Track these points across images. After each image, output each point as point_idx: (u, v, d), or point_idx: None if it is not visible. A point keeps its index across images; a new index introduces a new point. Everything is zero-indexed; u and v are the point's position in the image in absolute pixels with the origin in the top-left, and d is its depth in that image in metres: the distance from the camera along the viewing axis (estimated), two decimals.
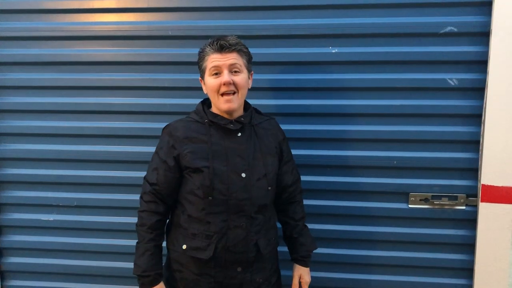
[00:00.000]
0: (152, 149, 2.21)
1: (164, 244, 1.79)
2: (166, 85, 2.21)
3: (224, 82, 1.65)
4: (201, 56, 1.72)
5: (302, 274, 1.91)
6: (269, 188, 1.76)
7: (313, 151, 2.18)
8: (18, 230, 2.42)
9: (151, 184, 1.74)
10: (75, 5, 2.22)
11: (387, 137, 2.13)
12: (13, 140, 2.36)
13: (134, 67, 2.23)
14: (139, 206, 1.77)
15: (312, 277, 2.02)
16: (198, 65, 1.76)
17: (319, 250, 2.23)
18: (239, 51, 1.69)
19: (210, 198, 1.67)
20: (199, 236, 1.71)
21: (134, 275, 1.73)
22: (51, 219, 2.39)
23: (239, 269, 1.74)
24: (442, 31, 2.03)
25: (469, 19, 2.01)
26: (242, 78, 1.69)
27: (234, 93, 1.68)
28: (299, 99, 2.17)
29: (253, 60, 2.14)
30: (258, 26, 2.13)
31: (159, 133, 1.90)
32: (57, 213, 2.38)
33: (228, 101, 1.67)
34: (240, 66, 1.69)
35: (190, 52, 2.17)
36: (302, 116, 2.18)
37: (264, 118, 1.87)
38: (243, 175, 1.70)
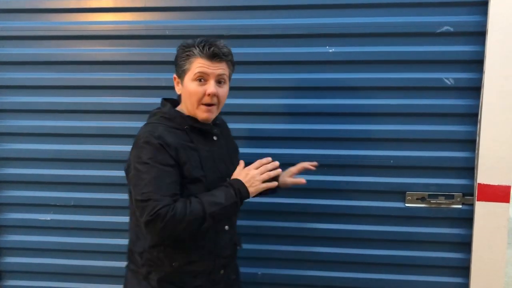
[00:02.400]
0: None
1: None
2: (163, 84, 2.21)
3: (210, 93, 1.55)
4: (185, 55, 1.57)
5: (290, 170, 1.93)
6: None
7: (309, 150, 2.18)
8: (15, 230, 2.42)
9: (171, 196, 1.47)
10: (72, 4, 2.21)
11: (384, 136, 2.13)
12: (10, 140, 2.35)
13: (132, 67, 2.23)
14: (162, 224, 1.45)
15: (309, 276, 2.03)
16: (176, 62, 1.62)
17: (316, 249, 2.24)
18: (227, 62, 1.60)
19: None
20: (191, 249, 1.62)
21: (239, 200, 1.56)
22: (48, 218, 2.38)
23: (221, 271, 1.72)
24: (438, 31, 2.03)
25: (465, 18, 2.01)
26: (225, 91, 1.62)
27: (214, 104, 1.59)
28: (296, 98, 2.17)
29: (249, 60, 2.15)
30: (255, 26, 2.13)
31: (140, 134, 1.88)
32: (54, 213, 2.37)
33: (208, 110, 1.59)
34: (226, 77, 1.61)
35: None
36: (298, 115, 2.18)
37: (219, 117, 1.79)
38: (228, 179, 1.65)
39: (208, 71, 1.55)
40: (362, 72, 2.11)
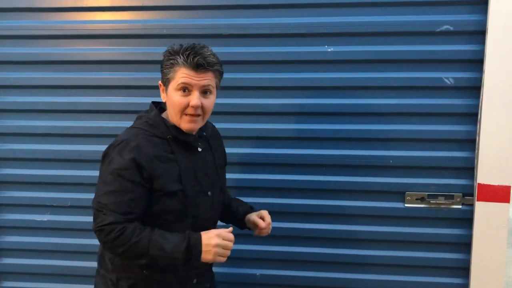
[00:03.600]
0: None
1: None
2: None
3: (193, 105, 1.47)
4: (170, 63, 1.50)
5: (261, 213, 1.74)
6: (224, 201, 1.74)
7: (308, 150, 2.17)
8: (11, 231, 2.40)
9: (123, 214, 1.44)
10: (69, 3, 2.20)
11: (383, 136, 2.12)
12: (6, 140, 2.33)
13: (129, 66, 2.21)
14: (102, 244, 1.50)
15: (307, 277, 2.02)
16: (161, 69, 1.55)
17: (315, 250, 2.23)
18: (214, 71, 1.51)
19: (180, 222, 1.51)
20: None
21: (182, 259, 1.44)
22: (45, 219, 2.36)
23: (194, 281, 1.67)
24: (438, 30, 2.02)
25: (465, 17, 2.01)
26: (211, 102, 1.54)
27: (198, 115, 1.52)
28: (294, 98, 2.16)
29: (248, 59, 2.14)
30: (254, 25, 2.12)
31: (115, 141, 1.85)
32: (51, 214, 2.36)
33: (192, 121, 1.51)
34: (212, 87, 1.53)
35: None
36: (297, 115, 2.17)
37: (210, 125, 1.74)
38: (209, 193, 1.62)
39: (192, 82, 1.47)
40: (361, 72, 2.10)
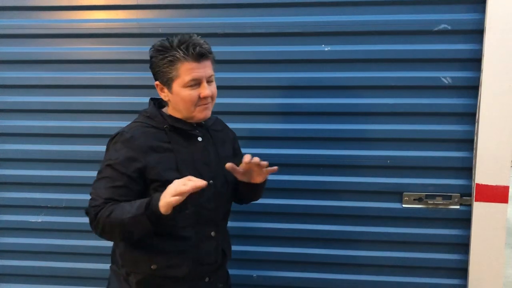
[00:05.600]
0: None
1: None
2: None
3: (205, 95, 1.52)
4: (168, 61, 1.49)
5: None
6: (231, 192, 1.73)
7: (305, 151, 2.16)
8: (6, 232, 2.38)
9: (106, 199, 1.50)
10: (64, 2, 2.18)
11: (381, 136, 2.11)
12: (0, 140, 2.31)
13: (124, 65, 2.20)
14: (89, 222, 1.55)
15: (304, 278, 2.01)
16: (157, 69, 1.54)
17: (312, 251, 2.22)
18: (212, 58, 1.56)
19: (182, 212, 1.48)
20: (172, 253, 1.58)
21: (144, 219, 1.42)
22: (40, 220, 2.34)
23: (207, 279, 1.67)
24: (435, 29, 2.01)
25: (463, 16, 2.00)
26: (215, 87, 1.59)
27: (209, 103, 1.57)
28: (290, 97, 2.14)
29: (245, 58, 2.13)
30: (250, 24, 2.11)
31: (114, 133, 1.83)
32: (46, 215, 2.34)
33: (206, 108, 1.56)
34: (213, 77, 1.57)
35: None
36: (294, 115, 2.16)
37: (213, 118, 1.74)
38: (211, 182, 1.60)
39: (200, 74, 1.50)
40: (358, 71, 2.09)
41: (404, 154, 2.11)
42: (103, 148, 2.20)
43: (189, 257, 1.60)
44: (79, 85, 2.23)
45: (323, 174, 2.16)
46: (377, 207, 2.16)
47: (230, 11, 2.11)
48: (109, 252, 2.30)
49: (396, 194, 2.15)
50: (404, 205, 2.14)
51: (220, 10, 2.11)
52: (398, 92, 2.08)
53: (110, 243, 2.28)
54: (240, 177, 1.64)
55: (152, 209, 1.40)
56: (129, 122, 2.19)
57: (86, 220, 2.27)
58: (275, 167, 1.58)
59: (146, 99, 2.17)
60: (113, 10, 2.17)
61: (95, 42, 2.20)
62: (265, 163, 1.56)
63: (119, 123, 2.21)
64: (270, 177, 2.19)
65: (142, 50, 2.16)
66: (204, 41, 1.53)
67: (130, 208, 1.44)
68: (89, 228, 2.28)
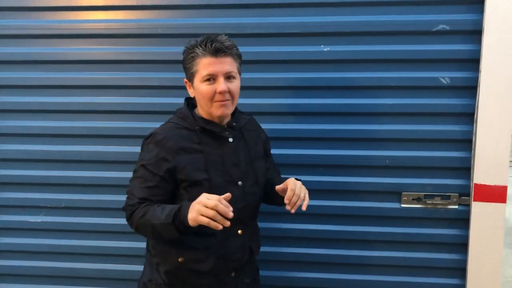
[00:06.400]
0: None
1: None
2: (155, 83, 2.18)
3: (220, 91, 1.54)
4: (190, 57, 1.57)
5: (286, 182, 1.59)
6: (260, 192, 1.73)
7: (304, 151, 2.16)
8: (4, 232, 2.38)
9: (140, 199, 1.57)
10: (63, 2, 2.18)
11: (379, 136, 2.12)
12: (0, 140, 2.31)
13: (123, 66, 2.19)
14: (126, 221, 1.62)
15: (304, 277, 2.01)
16: (184, 66, 1.63)
17: (311, 251, 2.22)
18: (233, 55, 1.58)
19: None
20: (198, 248, 1.62)
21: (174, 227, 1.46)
22: (39, 220, 2.34)
23: (232, 274, 1.70)
24: (434, 29, 2.02)
25: (461, 17, 2.00)
26: (237, 85, 1.61)
27: (227, 100, 1.58)
28: (290, 98, 2.14)
29: (244, 58, 2.13)
30: (249, 24, 2.11)
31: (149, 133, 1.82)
32: (45, 215, 2.34)
33: (222, 105, 1.57)
34: (235, 73, 1.59)
35: (179, 50, 2.12)
36: (293, 115, 2.16)
37: (246, 118, 1.79)
38: (240, 183, 1.65)
39: (216, 69, 1.54)
40: (356, 71, 2.09)
41: (403, 154, 2.11)
42: (102, 148, 2.25)
43: (214, 253, 1.63)
44: (78, 85, 2.23)
45: (321, 174, 2.17)
46: (376, 207, 2.17)
47: (229, 12, 2.11)
48: (107, 252, 2.34)
49: (395, 194, 2.15)
50: (402, 205, 2.15)
51: (219, 11, 2.11)
52: (396, 92, 2.08)
53: (109, 243, 2.32)
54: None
55: (180, 219, 1.45)
56: (127, 122, 2.23)
57: (85, 220, 2.32)
58: (304, 205, 1.56)
59: (145, 99, 2.20)
60: (112, 11, 2.17)
61: (94, 43, 2.20)
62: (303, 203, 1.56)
63: (118, 124, 2.24)
64: None
65: (141, 50, 2.17)
66: (227, 39, 1.57)
67: (160, 215, 1.49)
68: (89, 228, 2.34)
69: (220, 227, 1.36)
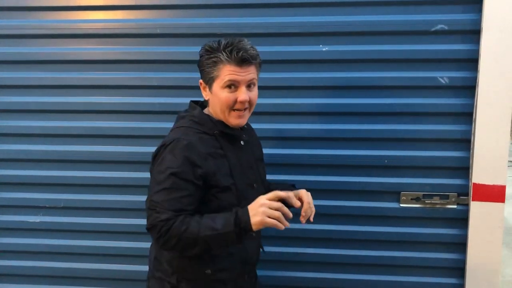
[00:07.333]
0: (142, 148, 2.19)
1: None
2: (154, 83, 2.18)
3: (242, 100, 1.50)
4: (212, 62, 1.50)
5: (299, 193, 1.62)
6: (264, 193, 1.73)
7: (303, 150, 2.16)
8: (4, 232, 2.37)
9: (175, 211, 1.44)
10: (63, 2, 2.18)
11: (378, 135, 2.12)
12: None
13: (122, 66, 2.19)
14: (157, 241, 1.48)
15: (302, 277, 2.00)
16: (202, 68, 1.55)
17: (309, 250, 2.22)
18: (256, 64, 1.54)
19: None
20: (222, 256, 1.58)
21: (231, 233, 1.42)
22: (38, 220, 2.34)
23: (246, 277, 1.70)
24: (432, 29, 2.02)
25: (460, 17, 2.00)
26: (256, 94, 1.57)
27: (245, 109, 1.55)
28: (289, 97, 2.14)
29: None
30: (248, 24, 2.11)
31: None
32: (44, 215, 2.33)
33: (240, 116, 1.54)
34: (256, 80, 1.56)
35: (179, 50, 2.14)
36: (292, 115, 2.16)
37: None
38: (255, 185, 1.64)
39: (239, 78, 1.49)
40: (355, 71, 2.09)
41: (401, 153, 2.12)
42: (102, 148, 2.25)
43: (237, 259, 1.61)
44: (78, 85, 2.22)
45: (320, 174, 2.17)
46: (375, 207, 2.17)
47: (229, 12, 2.11)
48: (106, 252, 2.33)
49: (394, 193, 2.15)
50: (401, 205, 2.15)
51: (218, 11, 2.11)
52: (395, 92, 2.08)
53: (109, 243, 2.31)
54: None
55: (241, 226, 1.41)
56: (126, 122, 2.22)
57: (84, 220, 2.31)
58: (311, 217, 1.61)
59: (145, 99, 2.20)
60: (111, 11, 2.17)
61: (93, 42, 2.20)
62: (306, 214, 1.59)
63: (117, 123, 2.23)
64: (268, 177, 2.21)
65: (140, 50, 2.17)
66: (251, 47, 1.52)
67: (214, 224, 1.42)
68: (87, 228, 2.32)
69: (283, 227, 1.39)
